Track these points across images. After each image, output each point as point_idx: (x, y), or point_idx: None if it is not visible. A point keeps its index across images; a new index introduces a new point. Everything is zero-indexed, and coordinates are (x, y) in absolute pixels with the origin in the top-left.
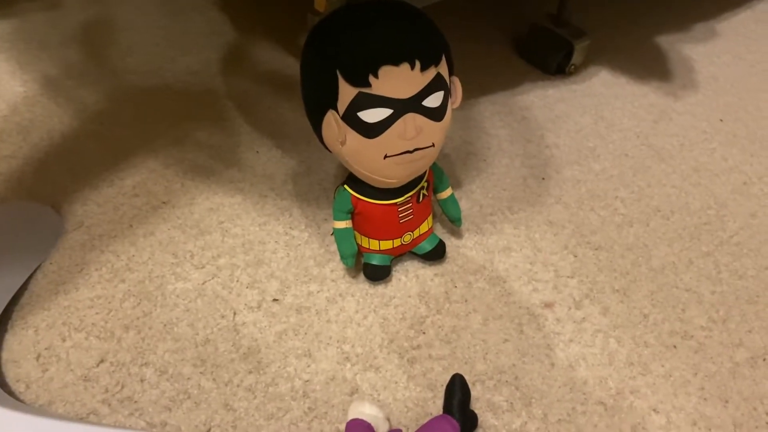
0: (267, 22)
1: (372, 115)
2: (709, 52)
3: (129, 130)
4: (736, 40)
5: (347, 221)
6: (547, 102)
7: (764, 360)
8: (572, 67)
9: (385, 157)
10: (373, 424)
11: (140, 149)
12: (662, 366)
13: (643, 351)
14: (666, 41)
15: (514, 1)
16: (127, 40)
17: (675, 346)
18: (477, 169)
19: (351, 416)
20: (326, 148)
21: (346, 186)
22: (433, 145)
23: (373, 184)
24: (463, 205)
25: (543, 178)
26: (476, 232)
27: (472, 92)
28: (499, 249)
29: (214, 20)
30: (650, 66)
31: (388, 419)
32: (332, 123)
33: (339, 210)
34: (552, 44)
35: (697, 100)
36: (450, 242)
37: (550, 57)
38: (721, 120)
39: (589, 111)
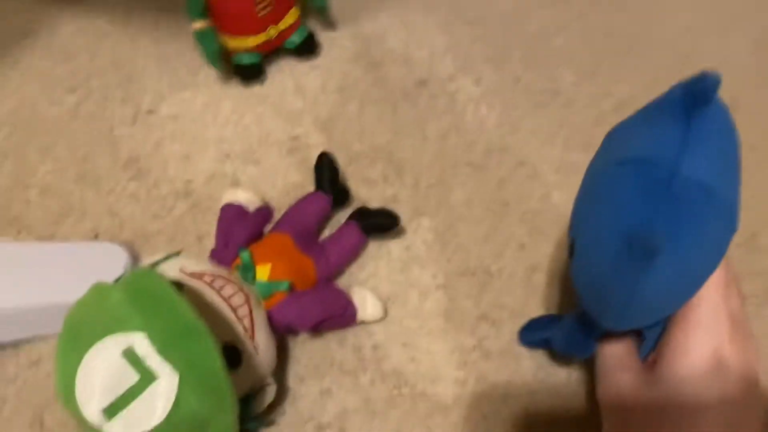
0: None
1: None
2: None
3: None
4: None
5: (204, 20)
6: None
7: (629, 105)
8: None
9: None
10: (246, 207)
11: None
12: (530, 123)
13: (512, 112)
14: None
15: None
16: None
17: (544, 104)
18: None
19: (225, 202)
20: None
21: None
22: None
23: None
24: None
25: None
26: (351, 23)
27: None
28: (375, 36)
29: None
30: None
31: (264, 203)
32: None
33: (193, 10)
34: None
35: None
36: (324, 35)
37: None
38: None
39: None
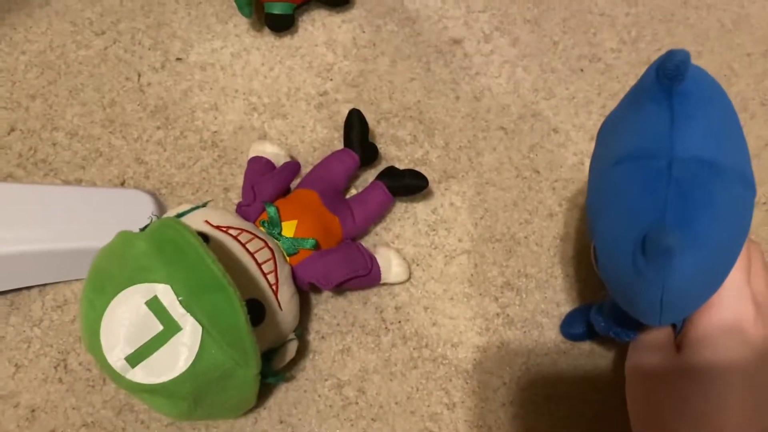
0: None
1: None
2: None
3: None
4: None
5: None
6: None
7: None
8: None
9: None
10: (273, 161)
11: None
12: (566, 89)
13: (549, 77)
14: None
15: None
16: None
17: (582, 70)
18: None
19: (252, 155)
20: None
21: None
22: None
23: None
24: None
25: None
26: None
27: None
28: None
29: None
30: None
31: (291, 157)
32: None
33: None
34: None
35: None
36: None
37: None
38: None
39: None
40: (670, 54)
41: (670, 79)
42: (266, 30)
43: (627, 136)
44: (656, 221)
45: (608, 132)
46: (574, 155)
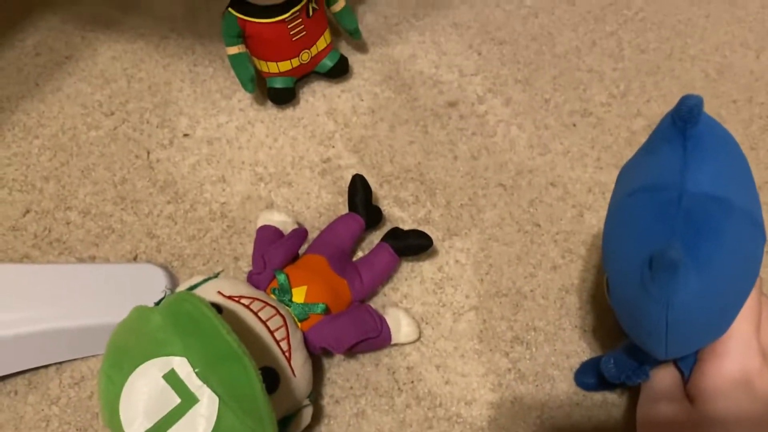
0: None
1: None
2: None
3: None
4: None
5: (239, 46)
6: None
7: None
8: None
9: None
10: (281, 228)
11: (37, 7)
12: (561, 144)
13: (543, 133)
14: None
15: None
16: None
17: (575, 125)
18: None
19: (260, 224)
20: None
21: (230, 9)
22: None
23: (256, 2)
24: (368, 18)
25: None
26: (381, 44)
27: None
28: (405, 58)
29: None
30: None
31: (298, 224)
32: None
33: (228, 35)
34: None
35: None
36: (355, 57)
37: None
38: None
39: None
40: (685, 98)
41: (684, 121)
42: (269, 103)
43: (642, 173)
44: (664, 243)
45: (625, 172)
46: (573, 207)
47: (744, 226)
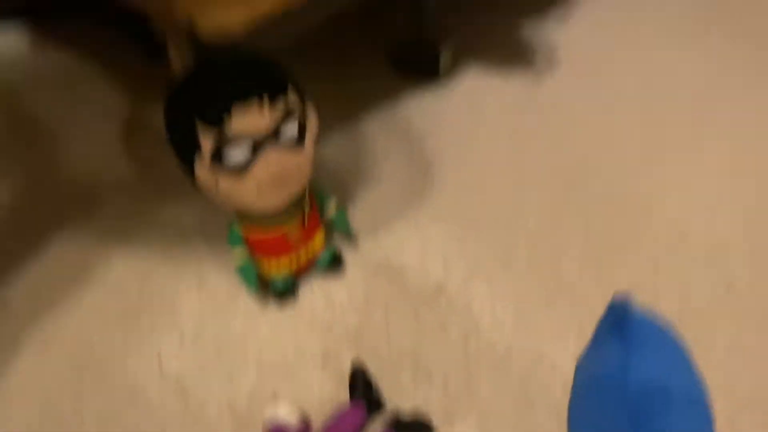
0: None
1: (234, 155)
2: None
3: None
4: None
5: (244, 252)
6: (424, 108)
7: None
8: (443, 70)
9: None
10: (287, 424)
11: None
12: (543, 319)
13: (525, 308)
14: (527, 29)
15: (377, 22)
16: None
17: (554, 299)
18: (367, 181)
19: (266, 418)
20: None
21: (234, 225)
22: (300, 169)
23: (257, 214)
24: (359, 216)
25: (428, 178)
26: (372, 239)
27: (353, 111)
28: (393, 247)
29: None
30: (513, 57)
31: (304, 417)
32: (202, 171)
33: (232, 239)
34: (422, 53)
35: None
36: (349, 251)
37: (422, 65)
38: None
39: (463, 109)
40: (616, 298)
41: (619, 317)
42: (271, 301)
43: (591, 364)
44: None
45: (580, 367)
46: (563, 378)
47: (689, 407)
